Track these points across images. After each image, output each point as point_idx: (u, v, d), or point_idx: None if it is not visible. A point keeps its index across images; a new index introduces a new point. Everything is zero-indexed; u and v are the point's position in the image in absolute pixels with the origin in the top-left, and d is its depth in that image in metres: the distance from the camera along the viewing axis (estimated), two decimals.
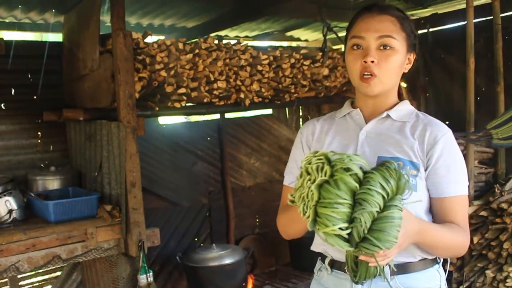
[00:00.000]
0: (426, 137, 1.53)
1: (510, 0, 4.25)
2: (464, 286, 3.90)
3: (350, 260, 1.44)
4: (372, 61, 1.50)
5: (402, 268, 1.52)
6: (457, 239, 1.51)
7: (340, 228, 1.25)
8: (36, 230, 2.87)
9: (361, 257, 1.31)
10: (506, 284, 3.60)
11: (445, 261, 1.65)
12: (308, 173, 1.32)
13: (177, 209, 4.63)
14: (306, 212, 1.30)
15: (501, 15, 4.02)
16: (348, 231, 1.26)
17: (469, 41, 3.87)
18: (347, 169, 1.28)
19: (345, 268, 1.51)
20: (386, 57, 1.51)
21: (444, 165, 1.51)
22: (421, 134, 1.54)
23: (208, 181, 4.84)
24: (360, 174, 1.30)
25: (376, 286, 1.53)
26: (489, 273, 3.70)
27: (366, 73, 1.51)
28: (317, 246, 1.68)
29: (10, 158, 3.78)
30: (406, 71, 1.61)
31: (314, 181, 1.29)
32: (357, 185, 1.28)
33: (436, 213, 1.55)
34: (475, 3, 4.13)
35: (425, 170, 1.52)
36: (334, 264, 1.61)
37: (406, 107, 1.63)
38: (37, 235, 2.84)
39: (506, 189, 3.91)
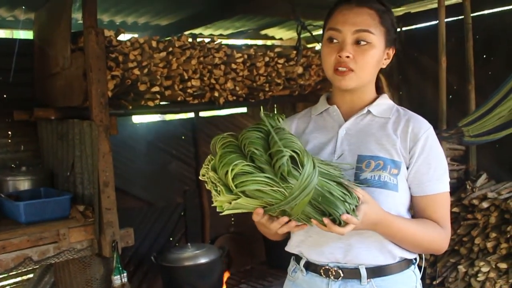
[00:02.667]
0: (409, 133, 1.49)
1: (481, 0, 4.34)
2: (437, 282, 3.95)
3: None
4: (348, 56, 1.45)
5: (379, 271, 1.50)
6: (428, 234, 1.48)
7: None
8: (6, 232, 2.80)
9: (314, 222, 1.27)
10: (478, 279, 3.66)
11: (420, 260, 1.63)
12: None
13: (152, 208, 4.60)
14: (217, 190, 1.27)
15: (472, 14, 4.08)
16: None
17: (441, 40, 3.93)
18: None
19: (321, 270, 1.52)
20: (363, 52, 1.46)
21: (426, 162, 1.49)
22: (404, 131, 1.50)
23: (183, 180, 4.82)
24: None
25: None
26: (461, 268, 3.75)
27: (340, 68, 1.46)
28: (292, 247, 1.62)
29: None
30: (384, 66, 1.57)
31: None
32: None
33: (416, 211, 1.54)
34: (447, 3, 4.20)
35: (407, 168, 1.49)
36: (310, 266, 1.57)
37: (385, 101, 1.59)
38: (7, 237, 2.78)
39: (477, 185, 3.98)
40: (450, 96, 4.30)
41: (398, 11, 4.94)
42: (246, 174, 1.22)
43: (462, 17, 4.12)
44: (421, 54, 4.71)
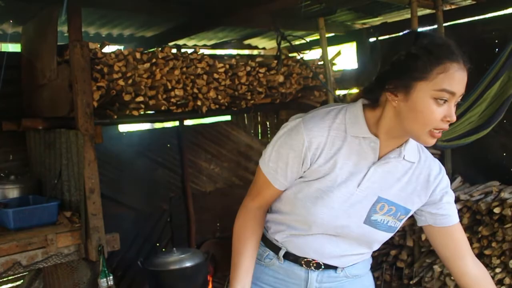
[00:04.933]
0: (434, 185, 1.58)
1: (452, 10, 4.51)
2: (415, 281, 4.10)
3: None
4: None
5: None
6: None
7: None
8: None
9: None
10: (452, 278, 3.81)
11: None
12: None
13: (139, 215, 4.71)
14: None
15: (445, 24, 4.24)
16: None
17: None
18: None
19: (302, 261, 1.64)
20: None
21: (447, 200, 1.60)
22: (427, 183, 1.58)
23: (169, 187, 4.93)
24: None
25: (328, 277, 1.66)
26: (437, 268, 3.90)
27: (438, 130, 1.39)
28: (275, 240, 1.70)
29: None
30: None
31: None
32: None
33: (445, 240, 1.62)
34: (422, 13, 4.37)
35: (426, 205, 1.60)
36: (289, 256, 1.68)
37: (412, 141, 1.55)
38: None
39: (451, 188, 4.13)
40: None
41: (376, 20, 5.11)
42: None
43: (436, 26, 4.29)
44: None
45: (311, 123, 1.50)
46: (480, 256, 3.72)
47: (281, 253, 1.68)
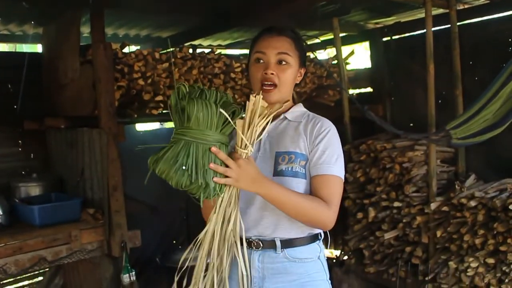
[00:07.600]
0: (315, 130, 1.81)
1: (466, 10, 4.55)
2: (430, 277, 4.13)
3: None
4: (272, 73, 1.78)
5: (290, 243, 1.81)
6: (312, 206, 1.71)
7: None
8: (22, 233, 3.00)
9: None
10: (467, 274, 3.84)
11: (326, 237, 1.97)
12: None
13: (156, 213, 4.77)
14: None
15: (458, 23, 4.28)
16: None
17: (429, 49, 4.13)
18: None
19: (247, 242, 1.75)
20: (283, 71, 1.81)
21: (320, 149, 1.78)
22: (311, 128, 1.82)
23: None
24: None
25: (269, 257, 1.80)
26: (452, 264, 3.94)
27: (266, 83, 1.79)
28: None
29: None
30: (298, 82, 1.90)
31: None
32: None
33: (311, 191, 1.80)
34: (434, 13, 4.40)
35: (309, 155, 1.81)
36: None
37: (299, 109, 1.93)
38: (23, 238, 2.97)
39: (466, 185, 4.17)
40: (440, 101, 4.50)
41: (389, 20, 5.15)
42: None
43: (449, 26, 4.33)
44: (411, 61, 4.90)
45: None
46: (495, 252, 3.76)
47: None
